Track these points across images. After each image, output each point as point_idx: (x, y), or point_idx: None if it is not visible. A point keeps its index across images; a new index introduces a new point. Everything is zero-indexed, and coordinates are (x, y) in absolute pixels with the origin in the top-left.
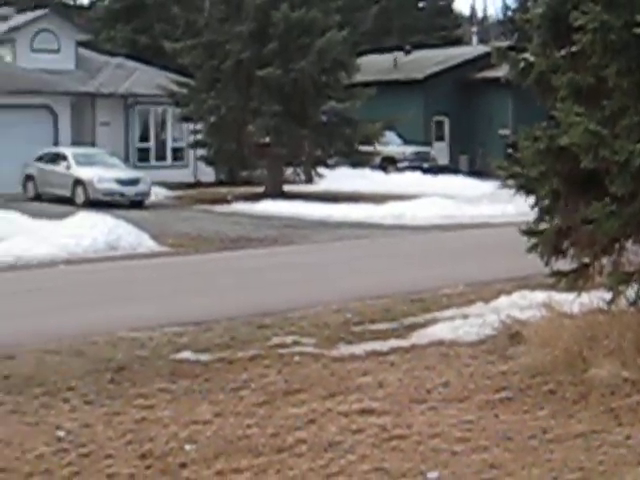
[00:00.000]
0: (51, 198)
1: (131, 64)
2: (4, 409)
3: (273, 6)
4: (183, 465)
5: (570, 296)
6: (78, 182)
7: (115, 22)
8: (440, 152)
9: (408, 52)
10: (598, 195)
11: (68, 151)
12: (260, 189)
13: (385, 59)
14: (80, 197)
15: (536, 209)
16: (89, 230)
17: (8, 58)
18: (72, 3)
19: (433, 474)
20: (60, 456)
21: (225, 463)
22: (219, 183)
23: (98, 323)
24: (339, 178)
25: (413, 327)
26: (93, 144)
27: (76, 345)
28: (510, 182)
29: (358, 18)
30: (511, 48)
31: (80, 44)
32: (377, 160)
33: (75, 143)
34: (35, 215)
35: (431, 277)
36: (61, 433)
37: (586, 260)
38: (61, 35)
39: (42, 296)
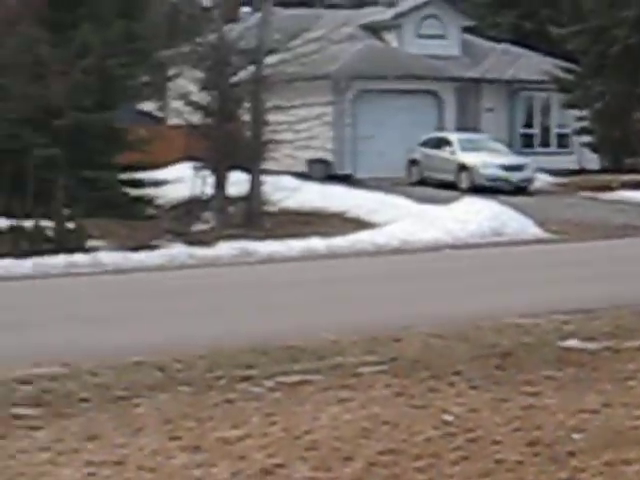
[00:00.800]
0: (434, 183)
1: (516, 50)
2: (391, 391)
3: None
4: (571, 454)
5: None
6: (462, 167)
7: (500, 8)
8: None
9: None
10: None
11: (453, 136)
12: None
13: None
14: (464, 182)
15: None
16: (474, 215)
17: (394, 44)
18: None
19: None
20: (448, 440)
21: (613, 454)
22: (603, 170)
23: (482, 308)
24: None
25: None
26: (477, 130)
27: (461, 330)
28: None
29: None
30: None
31: (465, 30)
32: None
33: (459, 129)
34: (419, 199)
35: None
36: (448, 417)
37: None
38: (447, 21)
39: (427, 280)
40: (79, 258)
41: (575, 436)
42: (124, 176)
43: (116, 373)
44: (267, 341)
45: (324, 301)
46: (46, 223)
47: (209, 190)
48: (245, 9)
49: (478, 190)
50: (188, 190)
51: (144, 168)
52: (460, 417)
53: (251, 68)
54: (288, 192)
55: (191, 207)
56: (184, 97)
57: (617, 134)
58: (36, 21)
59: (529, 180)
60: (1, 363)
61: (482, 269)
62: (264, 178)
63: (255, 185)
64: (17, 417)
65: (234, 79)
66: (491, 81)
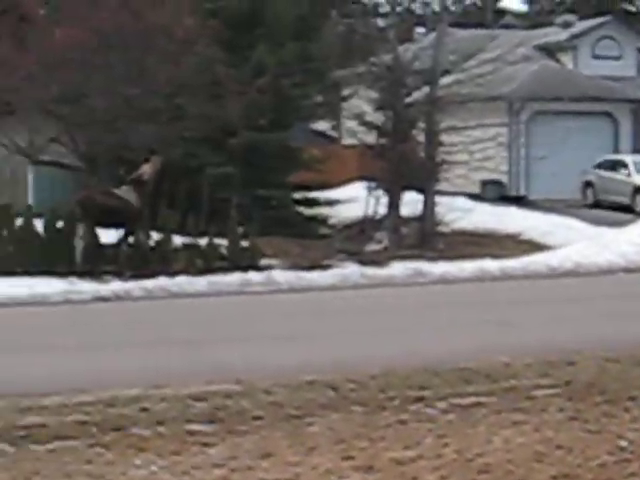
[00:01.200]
0: (609, 205)
1: None
2: (565, 415)
3: None
4: None
5: None
6: (638, 190)
7: None
8: None
9: None
10: None
11: (628, 158)
12: None
13: None
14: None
15: None
16: None
17: (570, 65)
18: (634, 9)
19: None
20: (622, 466)
21: None
22: None
23: None
24: None
25: None
26: None
27: (636, 354)
28: None
29: None
30: None
31: None
32: None
33: (635, 151)
34: (594, 222)
35: None
36: (623, 443)
37: None
38: (623, 41)
39: (599, 303)
40: (253, 276)
41: None
42: (298, 195)
43: (289, 392)
44: (440, 362)
45: (497, 323)
46: (220, 241)
47: (382, 210)
48: (420, 30)
49: None
50: (361, 210)
51: (318, 187)
52: (635, 443)
53: (426, 89)
54: (461, 213)
55: (364, 227)
56: (358, 117)
57: None
58: (213, 41)
59: None
60: (176, 379)
61: None
62: (438, 199)
63: (429, 205)
64: (191, 433)
65: (409, 99)
66: None
